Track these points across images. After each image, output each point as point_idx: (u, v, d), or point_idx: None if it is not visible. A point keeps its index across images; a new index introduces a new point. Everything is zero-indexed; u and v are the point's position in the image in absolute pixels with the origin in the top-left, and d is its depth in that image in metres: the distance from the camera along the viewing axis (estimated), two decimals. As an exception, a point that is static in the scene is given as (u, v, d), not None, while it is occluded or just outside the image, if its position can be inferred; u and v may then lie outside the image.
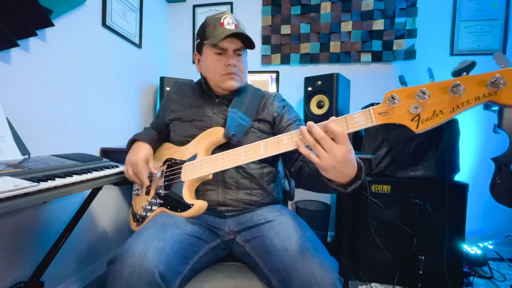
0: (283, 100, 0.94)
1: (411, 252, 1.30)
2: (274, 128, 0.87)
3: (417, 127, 0.51)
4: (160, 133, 0.98)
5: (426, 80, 0.51)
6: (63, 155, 0.92)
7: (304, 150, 0.56)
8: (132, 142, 0.91)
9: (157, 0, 1.96)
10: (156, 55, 1.96)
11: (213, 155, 0.76)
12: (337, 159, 0.52)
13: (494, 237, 1.66)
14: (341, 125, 0.55)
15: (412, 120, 0.51)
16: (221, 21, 0.81)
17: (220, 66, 0.83)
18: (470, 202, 1.32)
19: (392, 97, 0.52)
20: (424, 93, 0.49)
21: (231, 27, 0.81)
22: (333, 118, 0.56)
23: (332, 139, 0.52)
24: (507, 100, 0.45)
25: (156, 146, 0.92)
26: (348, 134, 0.55)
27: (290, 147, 0.62)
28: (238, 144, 0.74)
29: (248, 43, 0.83)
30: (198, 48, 0.89)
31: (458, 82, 0.46)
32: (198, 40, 0.88)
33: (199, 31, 0.88)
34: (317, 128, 0.54)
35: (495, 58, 0.45)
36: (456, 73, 0.48)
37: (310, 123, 0.55)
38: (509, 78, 0.44)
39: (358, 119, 0.55)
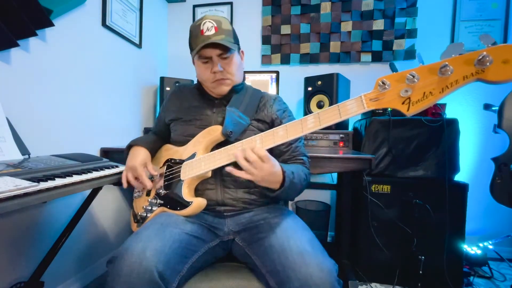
0: (284, 103, 0.94)
1: (411, 252, 1.30)
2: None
3: (408, 110, 0.52)
4: (160, 135, 0.98)
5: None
6: (63, 155, 0.92)
7: (237, 173, 0.66)
8: (128, 148, 0.91)
9: (157, 0, 1.96)
10: (156, 55, 1.96)
11: (210, 153, 0.76)
12: (265, 173, 0.65)
13: (494, 237, 1.66)
14: (334, 113, 0.59)
15: (403, 103, 0.53)
16: (201, 28, 0.79)
17: (208, 74, 0.83)
18: (470, 202, 1.32)
19: (383, 83, 0.53)
20: (413, 76, 0.50)
21: (211, 32, 0.79)
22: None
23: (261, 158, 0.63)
24: (494, 77, 0.46)
25: (154, 148, 0.92)
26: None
27: (285, 139, 0.65)
28: (236, 141, 0.74)
29: (231, 44, 0.80)
30: (192, 57, 0.90)
31: (446, 63, 0.48)
32: (190, 50, 0.88)
33: (188, 41, 0.87)
34: (250, 152, 0.63)
35: (481, 39, 0.46)
36: (445, 56, 0.49)
37: (246, 149, 0.64)
38: (495, 55, 0.45)
39: (351, 106, 0.57)
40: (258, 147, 0.64)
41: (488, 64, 0.45)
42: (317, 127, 0.61)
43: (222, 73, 0.82)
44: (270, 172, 0.65)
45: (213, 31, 0.79)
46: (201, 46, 0.77)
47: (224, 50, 0.80)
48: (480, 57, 0.45)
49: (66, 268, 1.23)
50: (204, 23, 0.80)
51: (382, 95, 0.54)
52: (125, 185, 0.84)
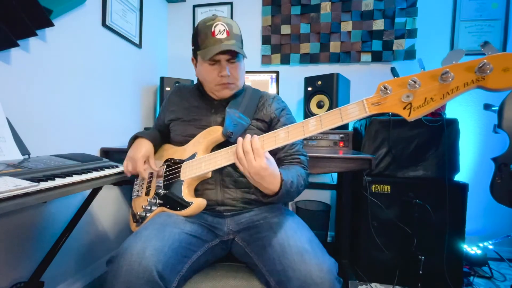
0: (283, 102, 0.93)
1: (411, 252, 1.30)
2: (270, 129, 0.87)
3: (409, 115, 0.53)
4: (161, 134, 0.98)
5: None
6: (63, 155, 0.92)
7: (236, 160, 0.66)
8: (134, 139, 0.92)
9: (157, 0, 1.96)
10: (156, 55, 1.96)
11: (211, 153, 0.76)
12: (253, 172, 0.62)
13: (494, 237, 1.66)
14: (335, 117, 0.59)
15: (404, 108, 0.53)
16: (212, 30, 0.78)
17: (214, 76, 0.82)
18: (470, 202, 1.32)
19: (385, 87, 0.54)
20: (415, 82, 0.51)
21: (223, 35, 0.78)
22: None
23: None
24: (494, 84, 0.47)
25: (157, 145, 0.93)
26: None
27: (287, 141, 0.64)
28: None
29: (241, 51, 0.80)
30: (194, 54, 0.89)
31: (447, 69, 0.48)
32: (193, 47, 0.87)
33: (192, 38, 0.86)
34: (246, 143, 0.63)
35: (482, 47, 0.47)
36: (446, 62, 0.50)
37: (246, 137, 0.64)
38: (496, 63, 0.46)
39: (352, 110, 0.58)
40: (256, 140, 0.63)
41: (488, 71, 0.46)
42: (318, 130, 0.61)
43: (229, 77, 0.82)
44: (259, 173, 0.62)
45: (225, 35, 0.78)
46: (216, 52, 0.76)
47: (234, 56, 0.80)
48: (481, 65, 0.46)
49: (66, 268, 1.23)
50: (216, 25, 0.78)
51: (383, 99, 0.55)
52: (128, 174, 0.87)
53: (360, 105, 0.57)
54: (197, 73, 0.90)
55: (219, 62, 0.81)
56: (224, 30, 0.79)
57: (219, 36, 0.78)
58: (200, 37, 0.81)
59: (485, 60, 0.46)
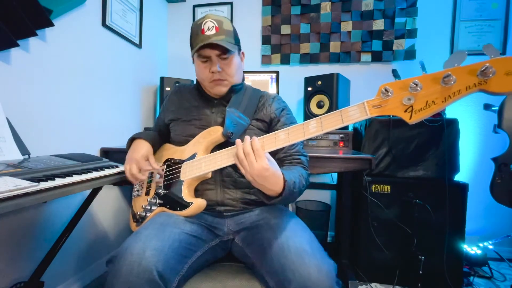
0: (283, 102, 0.93)
1: (411, 252, 1.30)
2: (270, 129, 0.87)
3: (410, 118, 0.52)
4: (161, 134, 0.98)
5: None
6: (63, 155, 0.92)
7: (238, 163, 0.64)
8: (131, 141, 0.91)
9: (157, 0, 1.96)
10: (156, 55, 1.96)
11: (211, 153, 0.76)
12: (255, 173, 0.60)
13: (494, 237, 1.66)
14: (336, 119, 0.58)
15: (405, 111, 0.53)
16: (202, 27, 0.79)
17: (207, 73, 0.83)
18: (470, 202, 1.32)
19: (386, 90, 0.53)
20: (416, 85, 0.50)
21: (212, 32, 0.79)
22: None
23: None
24: (496, 88, 0.46)
25: (156, 144, 0.92)
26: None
27: (287, 143, 0.64)
28: None
29: (231, 45, 0.80)
30: (192, 55, 0.90)
31: (449, 72, 0.48)
32: (190, 48, 0.88)
33: (189, 40, 0.87)
34: (246, 145, 0.62)
35: (484, 49, 0.47)
36: (448, 64, 0.50)
37: (246, 140, 0.63)
38: (498, 67, 0.45)
39: (353, 112, 0.57)
40: (256, 141, 0.62)
41: (491, 75, 0.46)
42: (319, 132, 0.61)
43: (220, 73, 0.82)
44: (261, 174, 0.60)
45: (214, 31, 0.79)
46: (200, 45, 0.77)
47: (223, 51, 0.80)
48: (483, 68, 0.46)
49: (66, 268, 1.23)
50: (206, 22, 0.79)
51: (385, 102, 0.54)
52: (131, 180, 0.83)
53: (361, 107, 0.56)
54: (195, 73, 0.91)
55: (211, 59, 0.81)
56: (213, 26, 0.79)
57: (208, 33, 0.79)
58: (193, 36, 0.83)
59: (487, 64, 0.45)
